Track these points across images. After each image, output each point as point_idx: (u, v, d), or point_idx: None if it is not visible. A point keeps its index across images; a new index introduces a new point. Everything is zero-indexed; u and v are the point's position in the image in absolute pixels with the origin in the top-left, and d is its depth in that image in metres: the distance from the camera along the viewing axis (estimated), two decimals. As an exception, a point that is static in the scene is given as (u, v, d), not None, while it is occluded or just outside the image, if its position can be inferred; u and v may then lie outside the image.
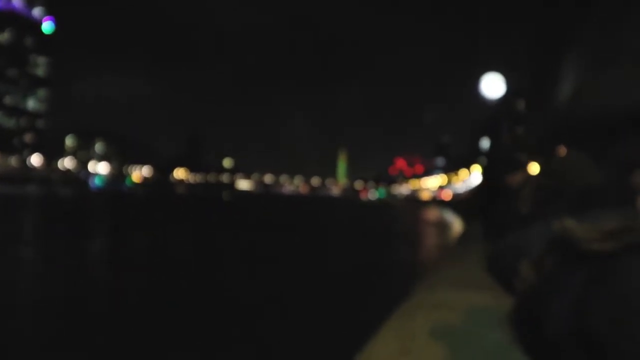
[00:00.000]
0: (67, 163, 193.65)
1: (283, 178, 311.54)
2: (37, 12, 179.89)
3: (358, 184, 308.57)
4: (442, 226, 51.64)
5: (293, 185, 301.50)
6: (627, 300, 0.41)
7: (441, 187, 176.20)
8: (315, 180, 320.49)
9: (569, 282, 0.49)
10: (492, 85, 17.32)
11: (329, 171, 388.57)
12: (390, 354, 1.82)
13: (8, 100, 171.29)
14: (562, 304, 0.47)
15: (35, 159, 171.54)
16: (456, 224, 51.65)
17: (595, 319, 0.43)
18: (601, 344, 0.42)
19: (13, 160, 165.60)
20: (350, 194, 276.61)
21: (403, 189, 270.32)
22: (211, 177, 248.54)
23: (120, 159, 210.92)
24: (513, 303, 0.58)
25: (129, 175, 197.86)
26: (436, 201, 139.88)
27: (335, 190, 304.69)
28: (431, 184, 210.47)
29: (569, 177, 2.99)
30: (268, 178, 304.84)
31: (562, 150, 3.08)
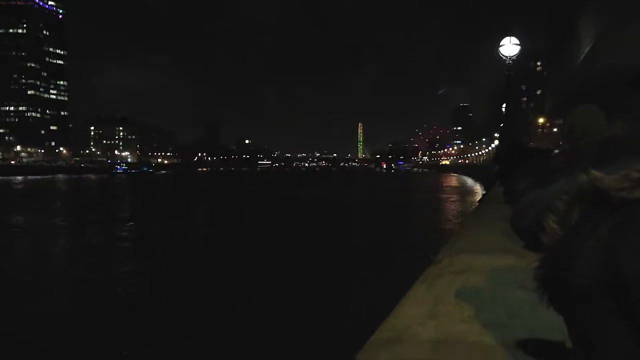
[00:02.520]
0: (92, 151, 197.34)
1: (303, 153, 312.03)
2: (51, 3, 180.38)
3: (377, 155, 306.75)
4: (464, 192, 51.19)
5: (313, 159, 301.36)
6: None
7: (461, 155, 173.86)
8: (335, 154, 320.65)
9: (597, 230, 0.48)
10: (510, 49, 16.77)
11: (349, 144, 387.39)
12: (417, 317, 1.87)
13: (31, 92, 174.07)
14: (591, 253, 0.47)
15: (63, 149, 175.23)
16: (477, 189, 51.18)
17: (628, 264, 0.42)
18: (630, 288, 0.42)
19: (42, 151, 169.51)
20: (371, 165, 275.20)
21: (423, 157, 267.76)
22: (232, 157, 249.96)
23: (144, 144, 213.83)
24: (539, 257, 0.58)
25: (152, 160, 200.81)
26: (456, 168, 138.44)
27: (355, 162, 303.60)
28: (451, 151, 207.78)
29: (584, 129, 2.93)
30: (288, 154, 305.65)
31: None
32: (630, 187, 0.48)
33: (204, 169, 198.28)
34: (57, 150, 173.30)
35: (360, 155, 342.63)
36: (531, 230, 0.83)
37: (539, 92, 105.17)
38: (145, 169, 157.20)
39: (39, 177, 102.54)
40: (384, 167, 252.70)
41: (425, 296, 2.13)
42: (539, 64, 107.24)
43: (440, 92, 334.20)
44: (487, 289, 2.10)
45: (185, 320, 9.27)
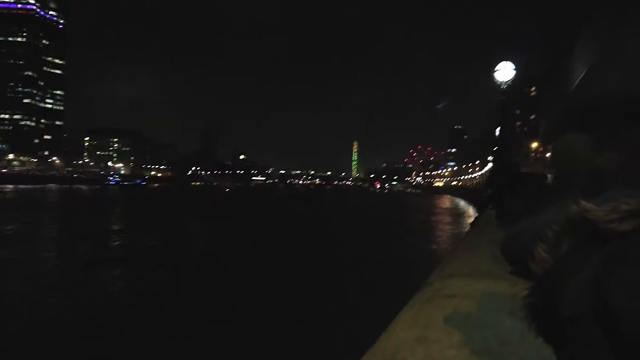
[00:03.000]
0: (86, 162, 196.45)
1: (298, 171, 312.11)
2: (52, 13, 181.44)
3: (371, 175, 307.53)
4: (456, 214, 51.31)
5: (307, 177, 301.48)
6: None
7: (454, 177, 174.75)
8: (329, 172, 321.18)
9: (587, 261, 0.48)
10: (505, 73, 17.01)
11: (343, 163, 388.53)
12: (407, 342, 1.85)
13: (27, 101, 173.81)
14: (580, 283, 0.47)
15: (56, 158, 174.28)
16: (469, 211, 51.34)
17: (616, 295, 0.43)
18: (620, 320, 0.42)
19: (34, 160, 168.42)
20: (365, 185, 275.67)
21: (417, 178, 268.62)
22: (227, 172, 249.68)
23: (138, 156, 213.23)
24: (529, 286, 0.59)
25: (146, 172, 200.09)
26: (449, 190, 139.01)
27: (349, 181, 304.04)
28: (444, 173, 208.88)
29: (569, 157, 2.96)
30: (283, 171, 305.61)
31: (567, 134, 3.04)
32: (619, 220, 0.48)
33: (198, 183, 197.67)
34: (50, 160, 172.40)
35: (354, 174, 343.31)
36: (521, 258, 0.83)
37: (532, 116, 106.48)
38: (138, 181, 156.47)
39: (30, 186, 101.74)
40: (378, 187, 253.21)
41: (415, 320, 2.11)
42: (533, 89, 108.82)
43: (439, 105, 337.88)
44: (478, 315, 2.09)
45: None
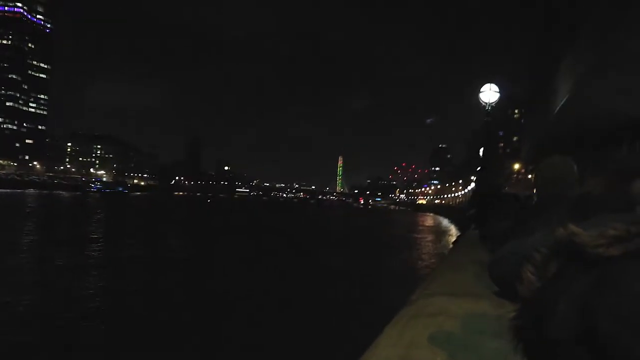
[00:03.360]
0: (67, 167, 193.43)
1: (282, 183, 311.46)
2: (40, 17, 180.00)
3: (355, 190, 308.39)
4: (438, 232, 51.62)
5: (291, 190, 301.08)
6: (636, 301, 0.42)
7: (437, 195, 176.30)
8: (313, 186, 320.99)
9: (575, 285, 0.49)
10: (489, 95, 17.33)
11: (328, 177, 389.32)
12: (390, 361, 1.81)
13: (10, 104, 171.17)
14: (567, 307, 0.48)
15: (37, 163, 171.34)
16: (452, 230, 51.68)
17: (603, 320, 0.43)
18: (607, 344, 0.42)
19: (14, 164, 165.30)
20: (348, 200, 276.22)
21: (400, 195, 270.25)
22: (210, 183, 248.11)
23: (121, 164, 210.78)
24: (514, 308, 0.59)
25: (128, 180, 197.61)
26: (432, 207, 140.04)
27: (333, 195, 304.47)
28: (427, 191, 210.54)
29: (553, 180, 2.99)
30: (267, 183, 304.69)
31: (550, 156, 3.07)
32: (606, 245, 0.49)
33: (181, 193, 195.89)
34: (30, 164, 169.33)
35: (338, 189, 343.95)
36: (508, 280, 0.82)
37: (515, 138, 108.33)
38: (120, 189, 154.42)
39: (8, 190, 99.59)
40: (362, 202, 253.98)
41: (399, 339, 2.08)
42: (516, 111, 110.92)
43: (428, 120, 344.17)
44: (461, 335, 2.07)
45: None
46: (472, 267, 3.82)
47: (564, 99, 15.21)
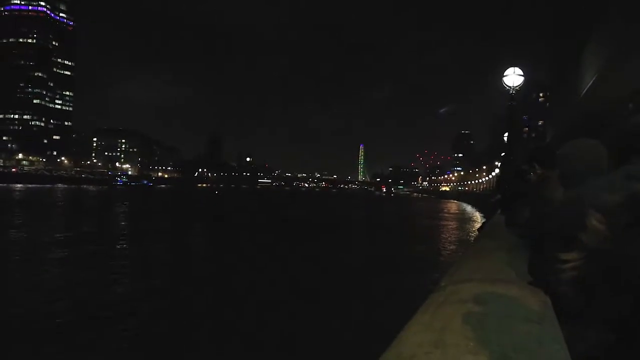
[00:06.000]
0: (94, 162, 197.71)
1: (303, 173, 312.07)
2: (62, 15, 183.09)
3: (377, 178, 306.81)
4: (463, 219, 51.06)
5: (313, 180, 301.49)
6: None
7: (460, 182, 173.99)
8: (335, 175, 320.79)
9: None
10: (513, 79, 16.95)
11: (350, 167, 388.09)
12: (424, 346, 1.84)
13: (37, 101, 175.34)
14: None
15: (64, 159, 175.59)
16: (476, 216, 51.04)
17: None
18: None
19: (43, 160, 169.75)
20: (370, 188, 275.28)
21: (423, 182, 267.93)
22: (233, 174, 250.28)
23: (145, 157, 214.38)
24: (582, 255, 0.54)
25: (152, 173, 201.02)
26: (456, 194, 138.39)
27: (355, 184, 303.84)
28: (450, 177, 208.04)
29: (578, 161, 2.91)
30: (289, 174, 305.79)
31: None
32: None
33: (204, 185, 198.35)
34: (58, 160, 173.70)
35: (360, 177, 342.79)
36: (563, 232, 0.81)
37: (540, 122, 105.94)
38: (145, 182, 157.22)
39: (38, 185, 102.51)
40: (384, 190, 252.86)
41: (430, 324, 2.11)
42: (541, 94, 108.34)
43: (441, 110, 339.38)
44: (494, 320, 2.08)
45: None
46: (499, 253, 3.81)
47: (593, 78, 14.79)
